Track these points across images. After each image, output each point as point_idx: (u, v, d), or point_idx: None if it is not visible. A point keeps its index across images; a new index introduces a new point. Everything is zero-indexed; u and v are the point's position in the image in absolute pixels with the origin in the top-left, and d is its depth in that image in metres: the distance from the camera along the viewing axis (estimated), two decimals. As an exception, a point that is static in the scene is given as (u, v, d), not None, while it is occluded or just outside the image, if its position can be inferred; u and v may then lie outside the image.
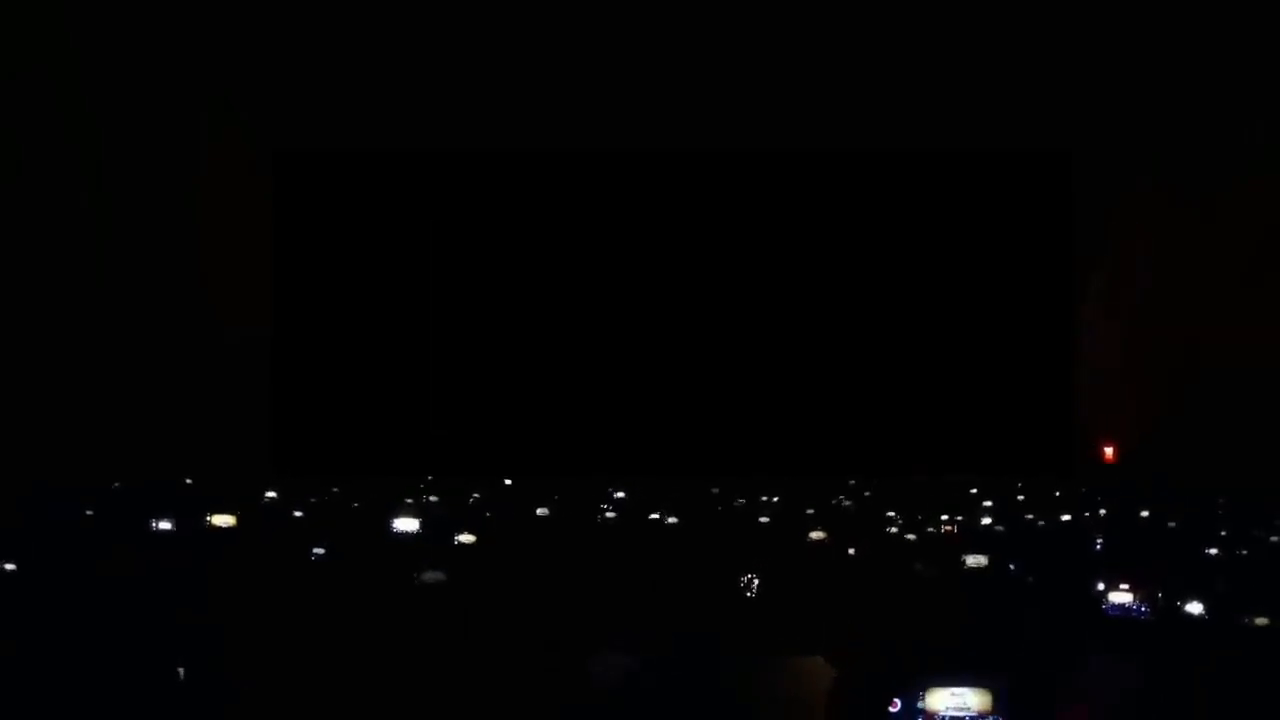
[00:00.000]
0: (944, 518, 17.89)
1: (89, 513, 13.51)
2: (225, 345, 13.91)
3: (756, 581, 7.84)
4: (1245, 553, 10.82)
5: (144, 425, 15.63)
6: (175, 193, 14.45)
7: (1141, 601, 6.35)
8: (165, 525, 13.13)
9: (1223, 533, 12.20)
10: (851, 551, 10.51)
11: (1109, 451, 11.80)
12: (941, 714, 3.99)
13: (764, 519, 16.66)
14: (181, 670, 4.54)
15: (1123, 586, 6.42)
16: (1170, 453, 15.49)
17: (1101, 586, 6.66)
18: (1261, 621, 6.14)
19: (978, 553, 9.65)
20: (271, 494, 16.58)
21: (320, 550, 10.17)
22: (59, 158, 13.88)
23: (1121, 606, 6.38)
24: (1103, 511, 17.88)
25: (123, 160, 14.09)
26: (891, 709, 3.96)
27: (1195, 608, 6.38)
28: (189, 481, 16.70)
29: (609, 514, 16.63)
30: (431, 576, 7.57)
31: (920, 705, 3.99)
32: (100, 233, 14.31)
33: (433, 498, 17.03)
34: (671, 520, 15.51)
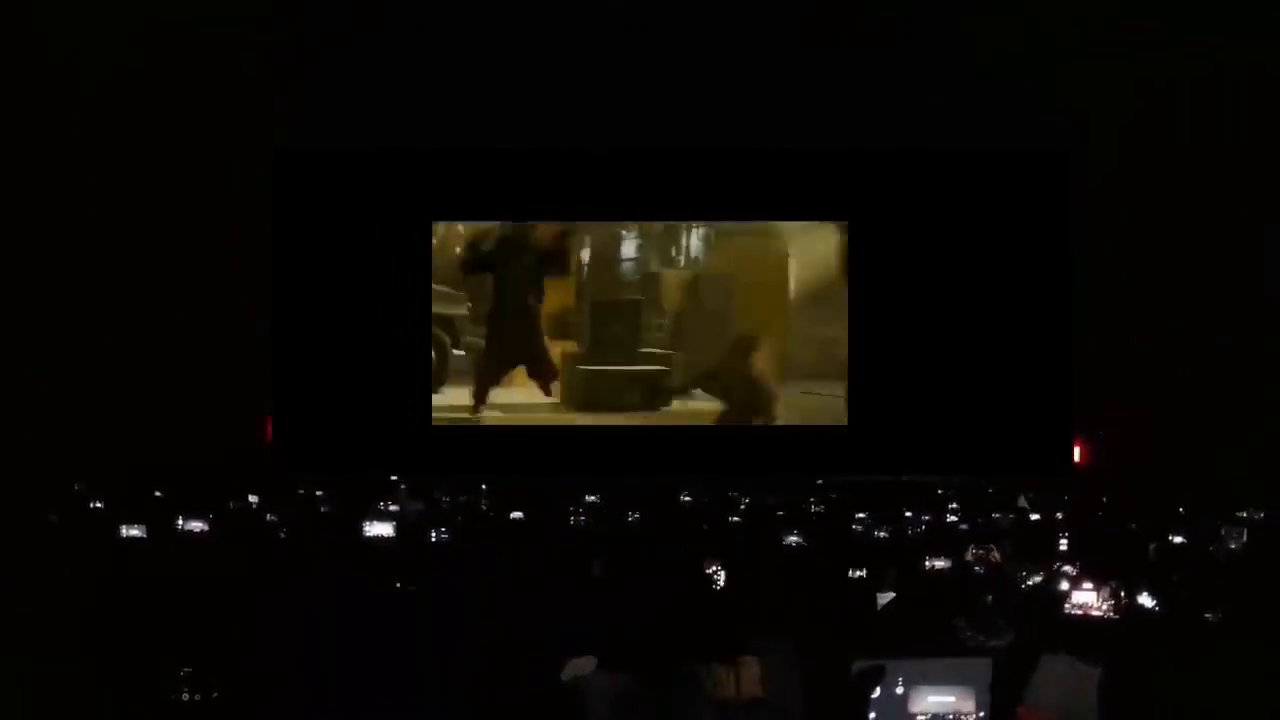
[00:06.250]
0: (907, 514, 18.16)
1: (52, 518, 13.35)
2: (223, 345, 13.84)
3: (723, 577, 7.97)
4: (1203, 551, 11.11)
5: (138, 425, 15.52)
6: (173, 191, 14.35)
7: (1104, 600, 6.50)
8: (135, 532, 13.06)
9: (1178, 539, 12.45)
10: (825, 556, 10.69)
11: (1077, 453, 11.92)
12: (921, 710, 4.03)
13: (734, 518, 16.92)
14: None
15: (1085, 585, 6.58)
16: (1142, 455, 15.68)
17: (1065, 586, 6.85)
18: (1212, 617, 6.30)
19: (942, 553, 9.88)
20: (250, 498, 16.53)
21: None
22: (57, 156, 13.80)
23: (1082, 606, 6.53)
24: (1060, 516, 18.26)
25: (121, 159, 14.01)
26: (873, 697, 3.97)
27: (1151, 605, 6.58)
28: (158, 494, 16.66)
29: (583, 518, 16.76)
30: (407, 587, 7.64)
31: (899, 693, 4.01)
32: (99, 232, 14.22)
33: (393, 505, 17.02)
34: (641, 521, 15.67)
